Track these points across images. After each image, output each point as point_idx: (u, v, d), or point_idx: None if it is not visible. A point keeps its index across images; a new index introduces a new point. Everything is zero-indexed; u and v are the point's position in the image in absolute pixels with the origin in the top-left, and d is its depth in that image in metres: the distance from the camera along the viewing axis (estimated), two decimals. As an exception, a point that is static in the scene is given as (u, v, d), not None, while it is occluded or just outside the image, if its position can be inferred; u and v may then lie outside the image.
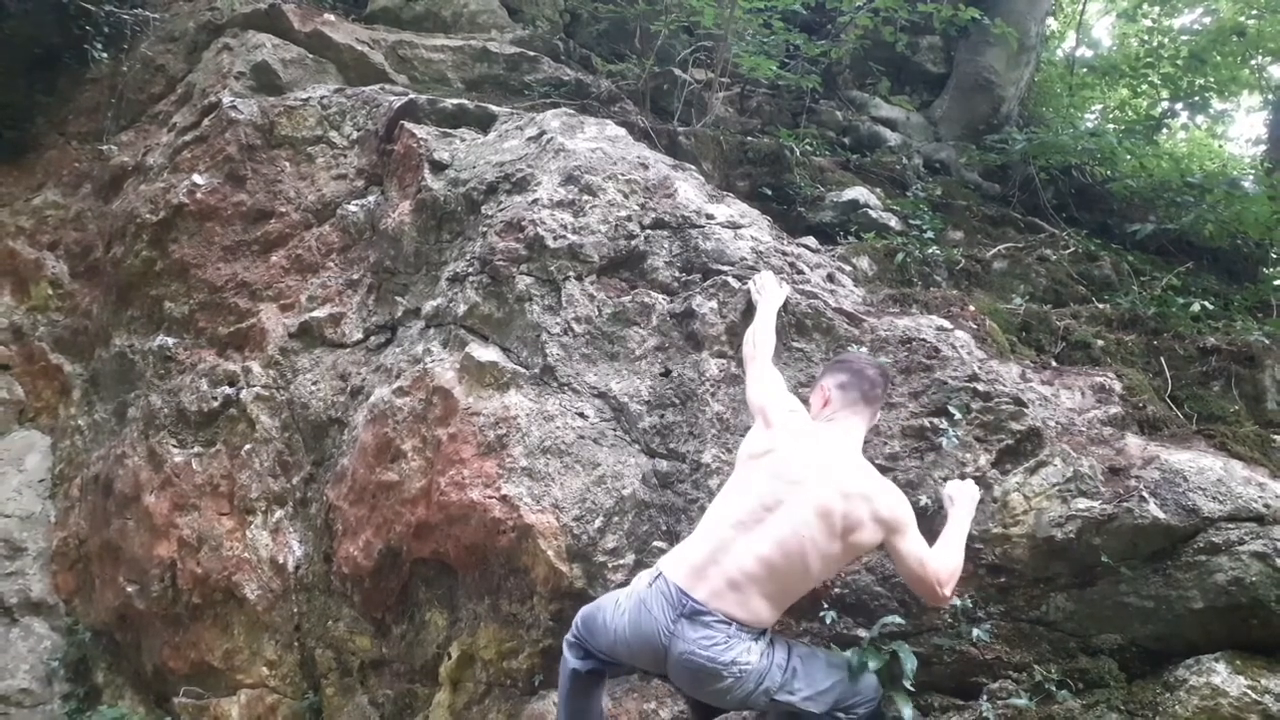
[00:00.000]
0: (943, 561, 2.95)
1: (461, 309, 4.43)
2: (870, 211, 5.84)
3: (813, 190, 6.09)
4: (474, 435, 4.04)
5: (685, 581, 2.84)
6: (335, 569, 4.64)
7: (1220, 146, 11.02)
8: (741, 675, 2.77)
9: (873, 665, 3.04)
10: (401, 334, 4.90)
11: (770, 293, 3.79)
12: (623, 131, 5.22)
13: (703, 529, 2.99)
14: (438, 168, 5.10)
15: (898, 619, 3.20)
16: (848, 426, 3.10)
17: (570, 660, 3.10)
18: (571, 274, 4.27)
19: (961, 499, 3.18)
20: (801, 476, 2.91)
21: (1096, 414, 3.64)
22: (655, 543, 3.60)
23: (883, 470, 3.40)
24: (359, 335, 5.13)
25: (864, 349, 3.70)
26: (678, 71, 6.83)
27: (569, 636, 3.14)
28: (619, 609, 2.96)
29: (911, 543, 2.93)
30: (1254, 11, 8.80)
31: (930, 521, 3.16)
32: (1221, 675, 2.86)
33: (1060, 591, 3.17)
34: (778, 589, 2.85)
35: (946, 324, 3.87)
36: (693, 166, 5.11)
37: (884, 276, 5.01)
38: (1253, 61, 9.09)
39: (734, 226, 4.36)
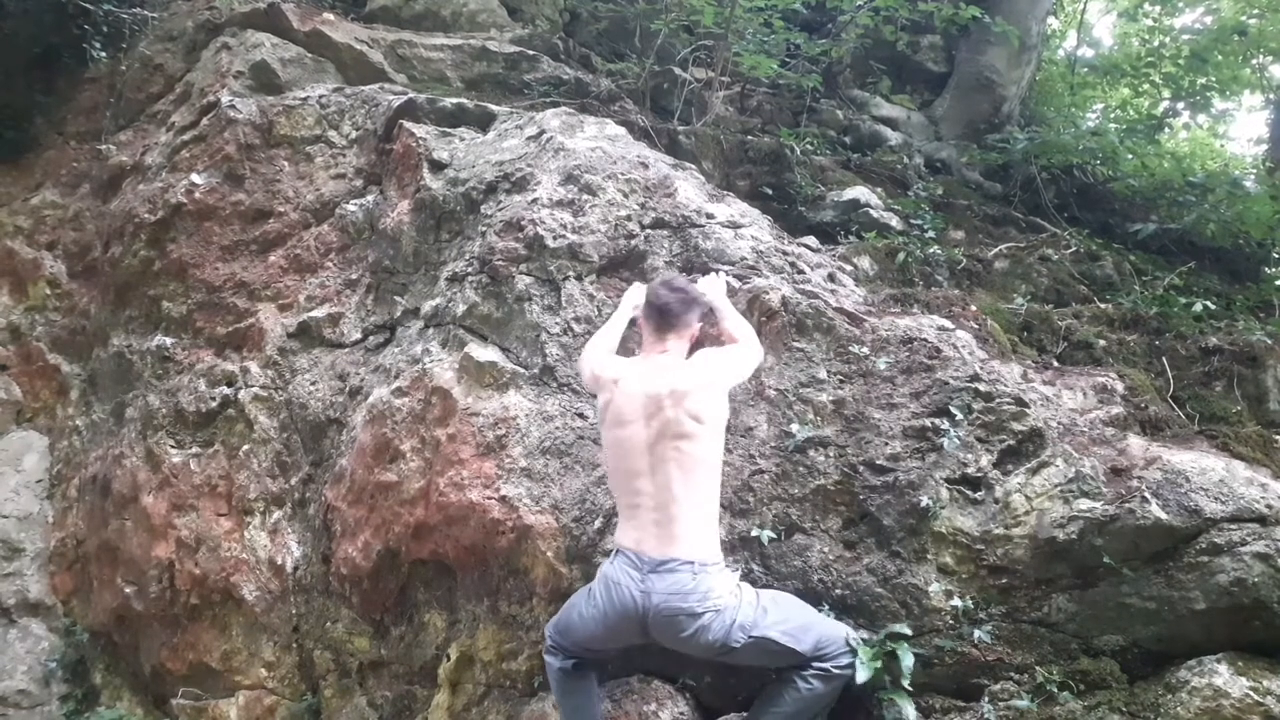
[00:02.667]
0: (752, 340, 3.53)
1: (460, 309, 4.42)
2: (871, 211, 5.83)
3: (813, 190, 6.08)
4: (473, 436, 4.03)
5: (638, 546, 3.08)
6: (334, 570, 4.62)
7: (1222, 146, 11.01)
8: (718, 609, 2.97)
9: (870, 663, 3.03)
10: (400, 334, 4.88)
11: (718, 291, 3.83)
12: (622, 131, 5.21)
13: (620, 502, 3.25)
14: (437, 167, 5.09)
15: (903, 629, 3.18)
16: (665, 350, 3.38)
17: (554, 664, 3.27)
18: (571, 274, 4.26)
19: (712, 289, 3.73)
20: (635, 411, 3.19)
21: (1098, 414, 3.62)
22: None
23: (883, 470, 3.41)
24: (357, 335, 5.12)
25: (865, 349, 3.68)
26: (678, 71, 6.82)
27: (546, 645, 3.32)
28: (591, 598, 3.16)
29: (738, 366, 3.39)
30: (1255, 11, 8.80)
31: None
32: (1224, 676, 2.84)
33: (1062, 592, 3.15)
34: (700, 507, 3.10)
35: (948, 324, 3.86)
36: (693, 166, 5.10)
37: (885, 276, 4.99)
38: (1254, 61, 9.08)
39: (734, 226, 4.35)
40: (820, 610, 3.27)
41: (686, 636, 3.00)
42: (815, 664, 3.04)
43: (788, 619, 3.06)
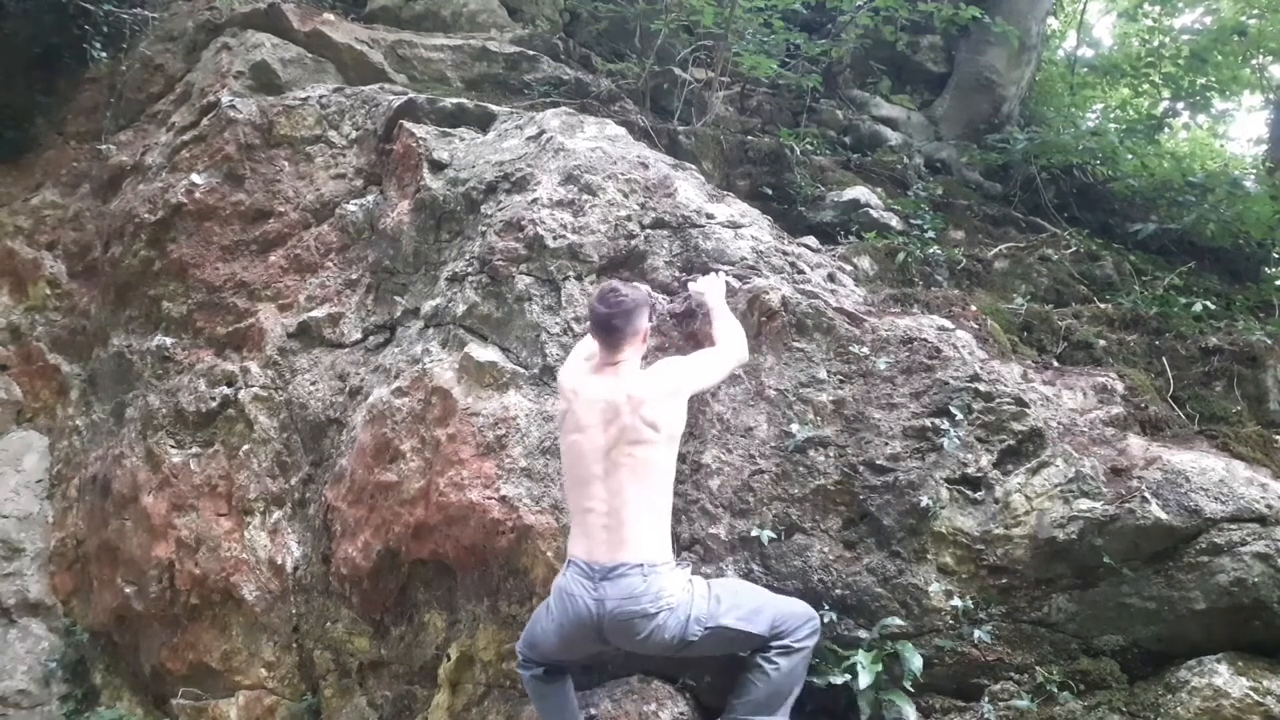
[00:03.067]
0: (728, 344, 3.52)
1: (460, 309, 4.42)
2: (871, 211, 5.83)
3: (813, 190, 6.08)
4: (473, 436, 4.03)
5: (588, 556, 3.12)
6: (334, 570, 4.62)
7: (1222, 146, 11.00)
8: (671, 607, 3.01)
9: (872, 666, 3.03)
10: (400, 334, 4.88)
11: (716, 293, 3.82)
12: (622, 131, 5.21)
13: (571, 510, 3.29)
14: (437, 167, 5.09)
15: (898, 621, 3.19)
16: (618, 361, 3.37)
17: (525, 674, 3.37)
18: (571, 274, 4.26)
19: (711, 290, 3.75)
20: (592, 419, 3.23)
21: (1098, 414, 3.62)
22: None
23: (883, 470, 3.41)
24: (357, 335, 5.12)
25: (865, 349, 3.68)
26: (678, 71, 6.82)
27: (518, 662, 3.40)
28: (549, 612, 3.22)
29: (705, 373, 3.44)
30: (1255, 11, 8.80)
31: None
32: (1223, 676, 2.85)
33: (1062, 592, 3.15)
34: (650, 511, 3.14)
35: (948, 324, 3.86)
36: (693, 166, 5.10)
37: (885, 276, 4.99)
38: (1254, 61, 9.08)
39: (734, 226, 4.35)
40: (821, 611, 3.27)
41: (643, 638, 3.05)
42: (775, 643, 3.08)
43: (740, 604, 3.11)
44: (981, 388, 3.46)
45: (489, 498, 3.87)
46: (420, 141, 5.21)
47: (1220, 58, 8.68)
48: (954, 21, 6.82)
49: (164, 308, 5.82)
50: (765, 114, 7.17)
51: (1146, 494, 3.08)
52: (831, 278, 4.33)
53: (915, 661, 3.06)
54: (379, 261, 5.15)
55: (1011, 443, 3.37)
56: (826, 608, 3.29)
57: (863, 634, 3.23)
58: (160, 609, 5.30)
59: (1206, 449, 3.40)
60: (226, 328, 5.55)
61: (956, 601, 3.19)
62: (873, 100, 7.82)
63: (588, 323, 3.68)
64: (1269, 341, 4.46)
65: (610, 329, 3.35)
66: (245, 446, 5.21)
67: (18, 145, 7.27)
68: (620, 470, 3.15)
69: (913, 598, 3.24)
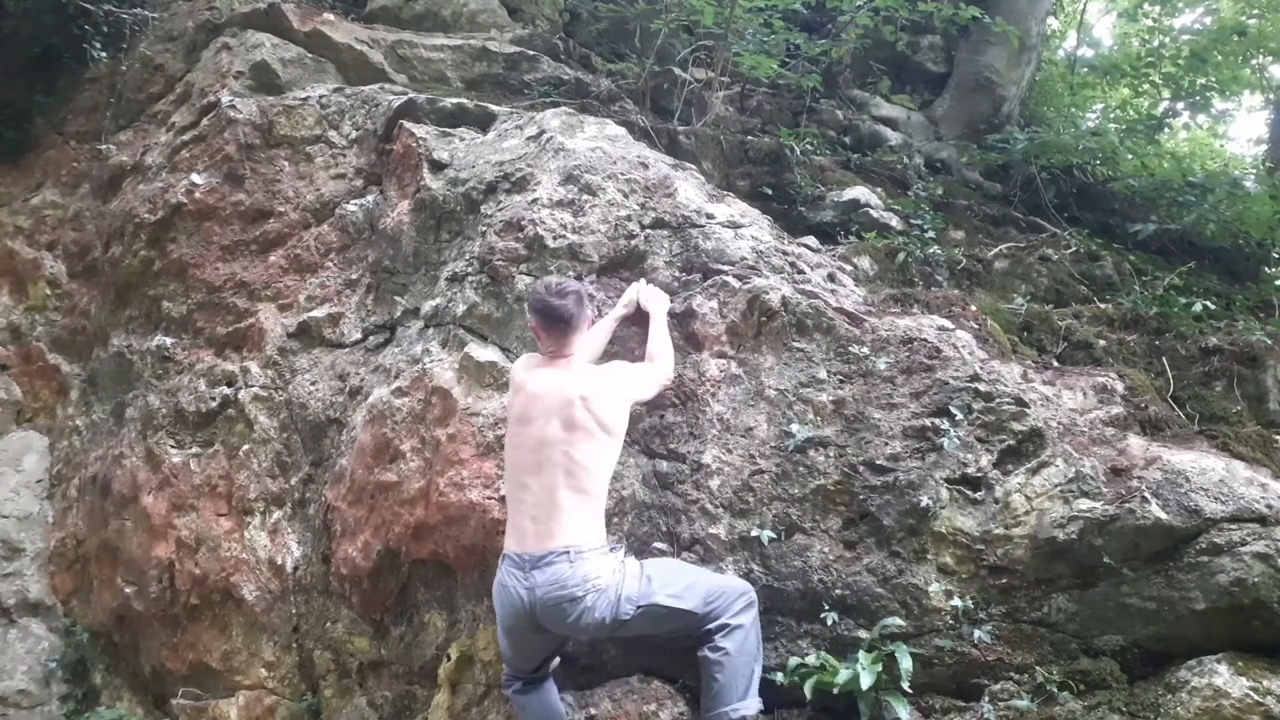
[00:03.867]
0: (661, 361, 3.64)
1: (460, 309, 4.42)
2: (871, 211, 5.83)
3: (813, 190, 6.07)
4: (473, 436, 4.03)
5: (519, 547, 3.19)
6: (334, 570, 4.62)
7: (1222, 146, 11.00)
8: (599, 589, 3.07)
9: (871, 666, 3.03)
10: (400, 334, 4.88)
11: (658, 305, 3.88)
12: (622, 131, 5.21)
13: (510, 502, 3.34)
14: (437, 167, 5.09)
15: (898, 621, 3.19)
16: (562, 349, 3.44)
17: (508, 689, 3.45)
18: (571, 274, 4.26)
19: (655, 302, 3.83)
20: (540, 411, 3.29)
21: (1098, 414, 3.62)
22: (655, 544, 3.58)
23: (883, 470, 3.40)
24: (357, 335, 5.12)
25: (865, 349, 3.68)
26: (678, 71, 6.81)
27: (503, 679, 3.49)
28: (500, 617, 3.29)
29: (643, 386, 3.53)
30: (1255, 11, 8.80)
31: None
32: (1223, 676, 2.85)
33: (1062, 592, 3.15)
34: (581, 502, 3.19)
35: (948, 324, 3.86)
36: (693, 166, 5.10)
37: (885, 276, 4.99)
38: (1254, 61, 9.07)
39: (734, 226, 4.35)
40: (821, 610, 3.27)
41: (574, 620, 3.09)
42: (712, 623, 3.10)
43: (672, 582, 3.16)
44: (981, 388, 3.46)
45: (489, 498, 3.87)
46: (420, 141, 5.21)
47: (1220, 58, 8.68)
48: (954, 21, 6.81)
49: (164, 308, 5.82)
50: (765, 114, 7.17)
51: (1146, 494, 3.08)
52: (831, 278, 4.33)
53: (905, 662, 3.05)
54: (379, 261, 5.15)
55: (1011, 443, 3.37)
56: (827, 608, 3.29)
57: (863, 634, 3.22)
58: (160, 609, 5.30)
59: (1206, 449, 3.40)
60: (226, 328, 5.55)
61: (956, 601, 3.19)
62: (873, 100, 7.82)
63: (626, 307, 3.90)
64: (1269, 341, 4.46)
65: (561, 320, 3.41)
66: (245, 446, 5.21)
67: (18, 145, 7.28)
68: (556, 463, 3.21)
69: (913, 598, 3.24)
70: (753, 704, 3.07)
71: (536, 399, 3.33)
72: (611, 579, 3.10)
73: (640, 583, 3.13)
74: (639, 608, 3.10)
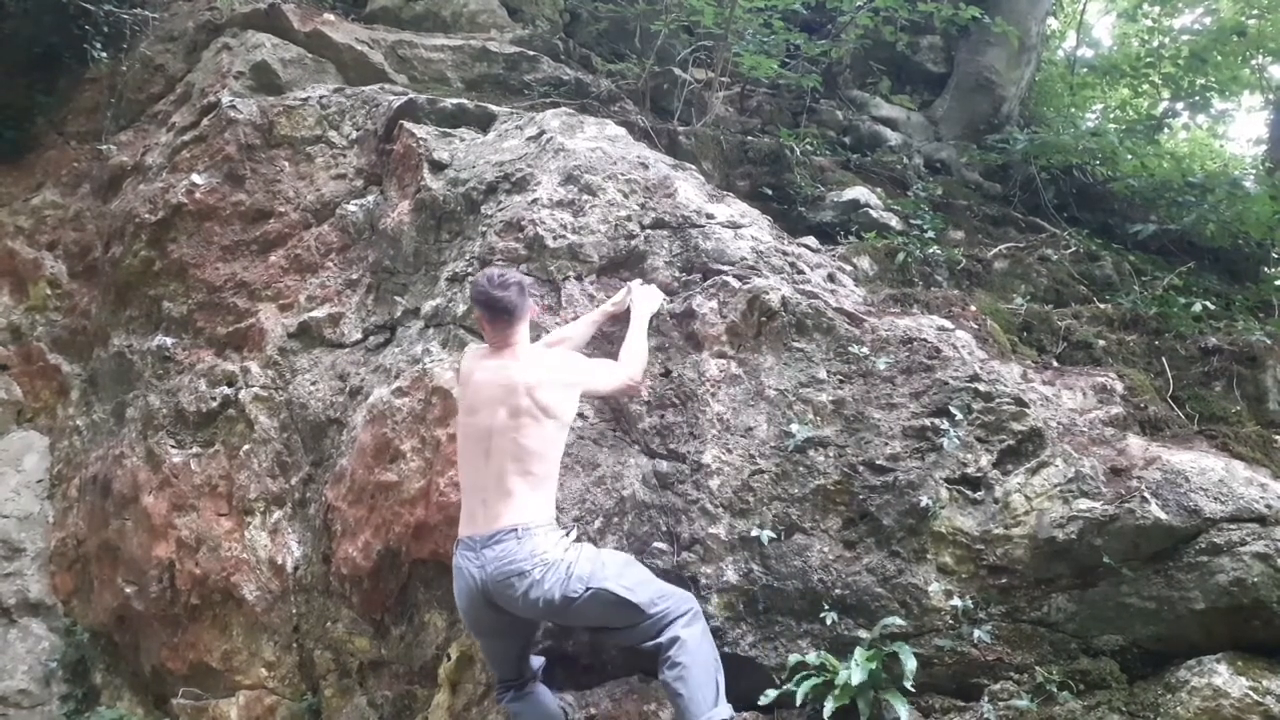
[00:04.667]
0: (628, 360, 3.63)
1: (461, 309, 4.42)
2: (871, 211, 5.83)
3: (813, 190, 6.07)
4: (473, 435, 4.02)
5: (470, 530, 3.27)
6: (334, 570, 4.62)
7: (1221, 146, 11.02)
8: (547, 563, 3.11)
9: (866, 664, 3.03)
10: (400, 334, 4.89)
11: (645, 304, 3.90)
12: (622, 131, 5.21)
13: (463, 489, 3.43)
14: (437, 167, 5.09)
15: (898, 620, 3.19)
16: (507, 339, 3.48)
17: (500, 700, 3.49)
18: (571, 274, 4.26)
19: (643, 296, 3.86)
20: (486, 400, 3.37)
21: (1098, 414, 3.63)
22: (655, 543, 3.58)
23: (883, 470, 3.41)
24: (358, 335, 5.12)
25: (865, 349, 3.68)
26: (678, 71, 6.82)
27: (495, 690, 3.54)
28: (459, 604, 3.35)
29: (598, 378, 3.55)
30: (1255, 11, 8.80)
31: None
32: (1223, 676, 2.85)
33: (1061, 592, 3.15)
34: (529, 484, 3.25)
35: (948, 324, 3.86)
36: (693, 166, 5.10)
37: (885, 276, 5.00)
38: (1253, 61, 9.08)
39: (734, 226, 4.35)
40: (821, 610, 3.27)
41: (522, 595, 3.11)
42: (658, 629, 3.10)
43: (624, 574, 3.20)
44: (981, 388, 3.47)
45: (489, 498, 3.87)
46: (420, 142, 5.21)
47: (1220, 58, 8.68)
48: (954, 22, 6.81)
49: (164, 308, 5.82)
50: (765, 114, 7.17)
51: (1146, 494, 3.08)
52: (831, 278, 4.33)
53: (909, 663, 3.05)
54: (379, 261, 5.15)
55: (1011, 443, 3.37)
56: (826, 608, 3.29)
57: (863, 634, 3.23)
58: (160, 609, 5.30)
59: (1206, 449, 3.41)
60: (227, 328, 5.55)
61: (956, 601, 3.19)
62: (873, 100, 7.82)
63: (614, 305, 3.95)
64: (1268, 341, 4.46)
65: (504, 310, 3.44)
66: (245, 446, 5.21)
67: (18, 145, 7.28)
68: (504, 450, 3.27)
69: (913, 598, 3.24)
70: (723, 710, 3.03)
71: (482, 389, 3.41)
72: (562, 555, 3.16)
73: (594, 565, 3.17)
74: (589, 589, 3.11)
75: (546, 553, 3.14)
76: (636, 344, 3.73)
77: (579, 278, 4.25)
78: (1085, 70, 9.51)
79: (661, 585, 3.24)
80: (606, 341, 3.96)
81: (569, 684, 3.58)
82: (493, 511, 3.23)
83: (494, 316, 3.46)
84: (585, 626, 3.44)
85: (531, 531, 3.17)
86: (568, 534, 3.30)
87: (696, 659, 3.07)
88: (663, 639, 3.09)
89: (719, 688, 3.07)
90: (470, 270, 4.48)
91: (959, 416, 3.41)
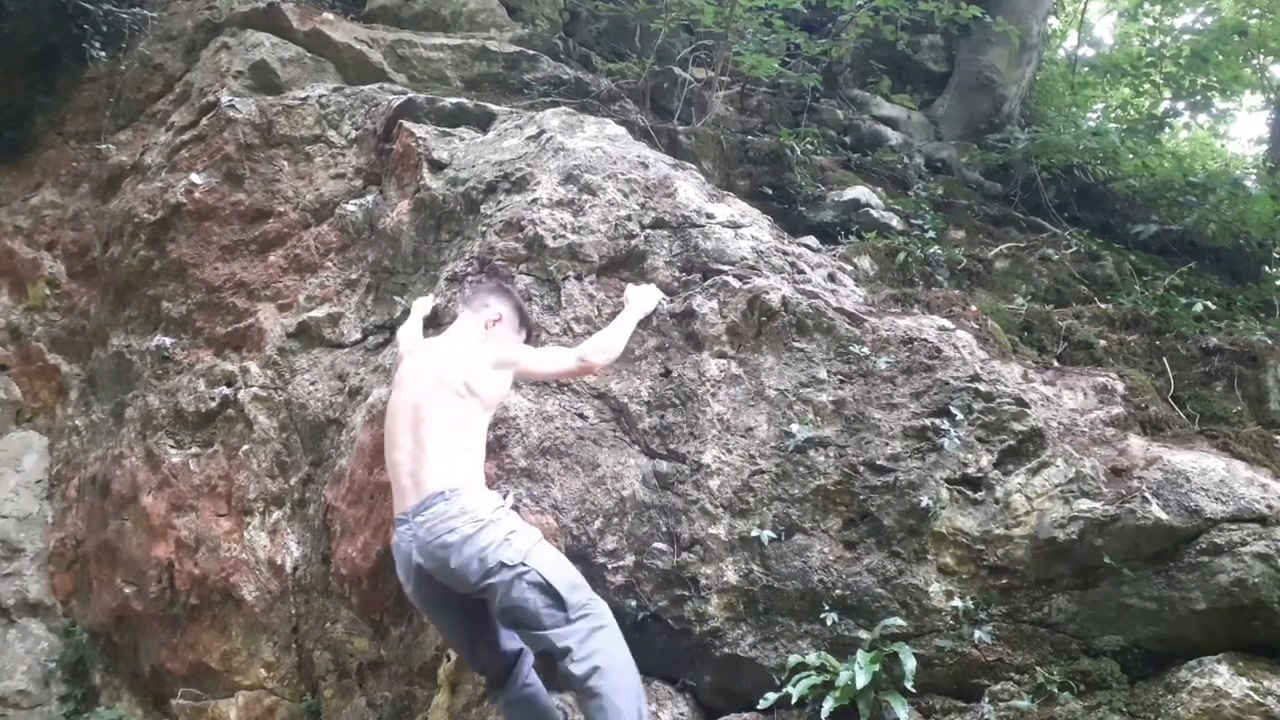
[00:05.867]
0: (587, 344, 3.66)
1: (461, 309, 4.41)
2: (871, 211, 5.83)
3: (814, 189, 6.07)
4: (472, 436, 4.02)
5: (402, 506, 3.28)
6: (333, 570, 4.62)
7: (1222, 146, 11.01)
8: (480, 520, 3.08)
9: (869, 666, 3.03)
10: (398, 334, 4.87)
11: (638, 302, 3.92)
12: (622, 130, 5.20)
13: (389, 470, 3.45)
14: (436, 167, 5.08)
15: (899, 621, 3.19)
16: (457, 324, 3.73)
17: (495, 704, 3.42)
18: (571, 273, 4.25)
19: (638, 295, 3.90)
20: (419, 375, 3.47)
21: (1099, 414, 3.62)
22: (655, 544, 3.58)
23: (883, 470, 3.40)
24: (357, 335, 5.11)
25: (865, 349, 3.68)
26: (678, 70, 6.81)
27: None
28: (405, 588, 3.37)
29: (536, 363, 3.59)
30: (1256, 11, 8.79)
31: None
32: (1224, 677, 2.84)
33: (1062, 593, 3.15)
34: (454, 452, 3.27)
35: (948, 324, 3.86)
36: (693, 166, 5.09)
37: (885, 276, 4.99)
38: (1255, 61, 9.08)
39: (734, 226, 4.34)
40: (821, 611, 3.27)
41: (455, 551, 3.06)
42: (583, 661, 2.90)
43: (555, 564, 3.12)
44: (982, 388, 3.46)
45: (489, 498, 3.86)
46: (420, 141, 5.21)
47: (1221, 57, 8.68)
48: (954, 21, 6.80)
49: (163, 308, 5.81)
50: (765, 114, 7.17)
51: (1147, 494, 3.08)
52: (832, 278, 4.33)
53: (909, 663, 3.04)
54: (379, 261, 5.14)
55: (1012, 443, 3.36)
56: (827, 608, 3.29)
57: (863, 634, 3.22)
58: (160, 609, 5.30)
59: (1207, 449, 3.40)
60: (226, 328, 5.54)
61: (957, 602, 3.19)
62: (873, 100, 7.82)
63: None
64: (1269, 341, 4.46)
65: (464, 292, 3.67)
66: (245, 446, 5.20)
67: (17, 145, 7.27)
68: (427, 421, 3.31)
69: (913, 598, 3.23)
70: None
71: (415, 365, 3.55)
72: (494, 515, 3.14)
73: (531, 543, 3.10)
74: (521, 564, 3.00)
75: (480, 509, 3.13)
76: (610, 331, 3.75)
77: (579, 277, 4.24)
78: (1086, 70, 9.51)
79: (587, 592, 3.08)
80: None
81: (569, 684, 3.57)
82: (418, 480, 3.24)
83: (460, 298, 3.67)
84: (499, 614, 3.15)
85: (459, 492, 3.17)
86: (504, 498, 3.30)
87: (618, 687, 2.89)
88: (583, 666, 2.89)
89: (636, 686, 2.94)
90: (470, 270, 4.48)
91: (959, 416, 3.40)
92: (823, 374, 3.67)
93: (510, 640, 3.30)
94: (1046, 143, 6.86)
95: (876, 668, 3.04)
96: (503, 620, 3.18)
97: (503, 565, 3.00)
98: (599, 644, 2.95)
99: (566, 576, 3.08)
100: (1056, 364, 4.17)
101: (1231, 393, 4.23)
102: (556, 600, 2.98)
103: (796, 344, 3.77)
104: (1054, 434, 3.40)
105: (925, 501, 3.29)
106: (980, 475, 3.32)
